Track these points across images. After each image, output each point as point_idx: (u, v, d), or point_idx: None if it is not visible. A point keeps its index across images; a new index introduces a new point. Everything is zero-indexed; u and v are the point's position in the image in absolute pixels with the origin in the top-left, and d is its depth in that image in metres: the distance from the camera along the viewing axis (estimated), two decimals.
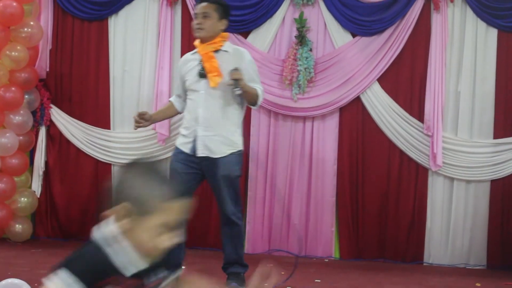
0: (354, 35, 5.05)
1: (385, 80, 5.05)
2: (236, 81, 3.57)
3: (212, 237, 5.08)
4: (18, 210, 5.07)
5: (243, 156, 3.88)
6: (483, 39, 4.98)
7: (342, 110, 5.10)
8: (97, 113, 5.25)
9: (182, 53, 4.71)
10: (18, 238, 5.11)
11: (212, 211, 4.97)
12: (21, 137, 5.05)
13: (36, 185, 5.24)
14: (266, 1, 5.04)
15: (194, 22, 3.76)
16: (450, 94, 5.01)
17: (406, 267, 4.93)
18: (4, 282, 2.89)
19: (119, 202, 1.40)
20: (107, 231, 1.42)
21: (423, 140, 5.00)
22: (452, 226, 5.03)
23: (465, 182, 5.03)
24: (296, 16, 5.03)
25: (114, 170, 5.25)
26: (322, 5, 5.04)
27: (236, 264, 3.79)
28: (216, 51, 3.73)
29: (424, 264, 5.07)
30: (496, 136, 5.00)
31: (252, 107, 3.87)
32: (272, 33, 5.07)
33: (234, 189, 3.72)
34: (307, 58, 4.97)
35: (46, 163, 5.29)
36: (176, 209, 1.42)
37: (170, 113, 4.05)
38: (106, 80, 5.23)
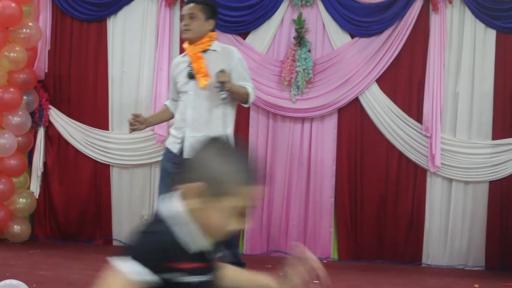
0: (352, 36, 5.05)
1: (383, 81, 5.05)
2: (222, 84, 3.58)
3: None
4: (16, 211, 5.06)
5: None
6: (482, 40, 4.98)
7: (341, 111, 5.10)
8: (95, 114, 5.25)
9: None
10: (17, 239, 5.10)
11: None
12: (19, 138, 5.04)
13: (35, 186, 5.23)
14: (264, 2, 5.04)
15: (181, 24, 3.78)
16: (448, 95, 5.01)
17: (404, 268, 4.93)
18: (2, 283, 2.88)
19: (192, 180, 1.36)
20: (173, 209, 1.39)
21: (422, 141, 5.00)
22: (451, 227, 5.02)
23: (464, 183, 5.03)
24: (295, 17, 5.04)
25: (113, 171, 5.25)
26: (321, 6, 5.04)
27: (235, 264, 3.79)
28: (205, 51, 3.74)
29: (423, 265, 5.07)
30: (495, 137, 5.00)
31: (243, 105, 3.88)
32: (271, 34, 5.07)
33: None
34: (305, 59, 4.97)
35: (45, 164, 5.28)
36: (249, 195, 1.40)
37: (166, 117, 4.07)
38: (105, 81, 5.23)
